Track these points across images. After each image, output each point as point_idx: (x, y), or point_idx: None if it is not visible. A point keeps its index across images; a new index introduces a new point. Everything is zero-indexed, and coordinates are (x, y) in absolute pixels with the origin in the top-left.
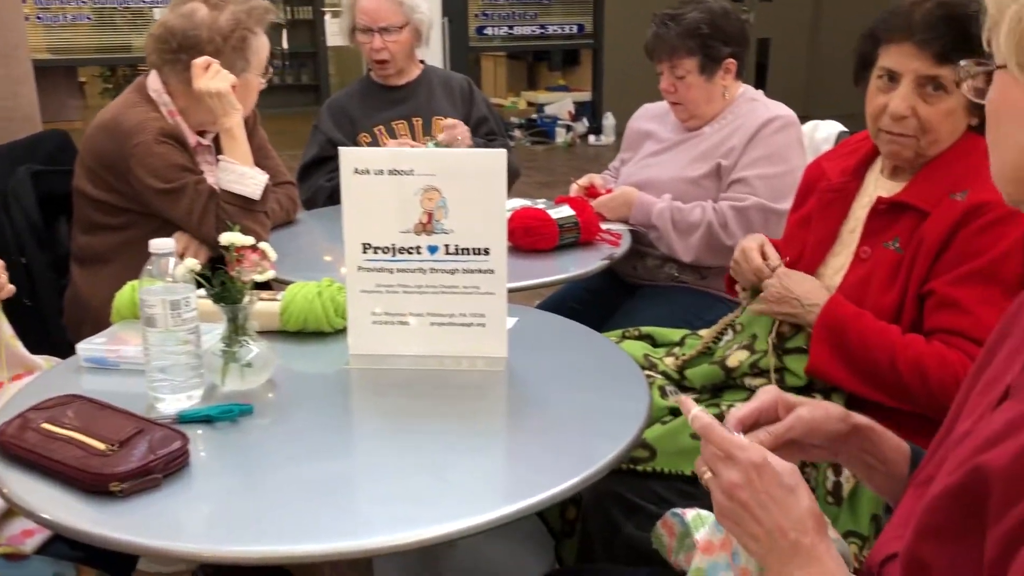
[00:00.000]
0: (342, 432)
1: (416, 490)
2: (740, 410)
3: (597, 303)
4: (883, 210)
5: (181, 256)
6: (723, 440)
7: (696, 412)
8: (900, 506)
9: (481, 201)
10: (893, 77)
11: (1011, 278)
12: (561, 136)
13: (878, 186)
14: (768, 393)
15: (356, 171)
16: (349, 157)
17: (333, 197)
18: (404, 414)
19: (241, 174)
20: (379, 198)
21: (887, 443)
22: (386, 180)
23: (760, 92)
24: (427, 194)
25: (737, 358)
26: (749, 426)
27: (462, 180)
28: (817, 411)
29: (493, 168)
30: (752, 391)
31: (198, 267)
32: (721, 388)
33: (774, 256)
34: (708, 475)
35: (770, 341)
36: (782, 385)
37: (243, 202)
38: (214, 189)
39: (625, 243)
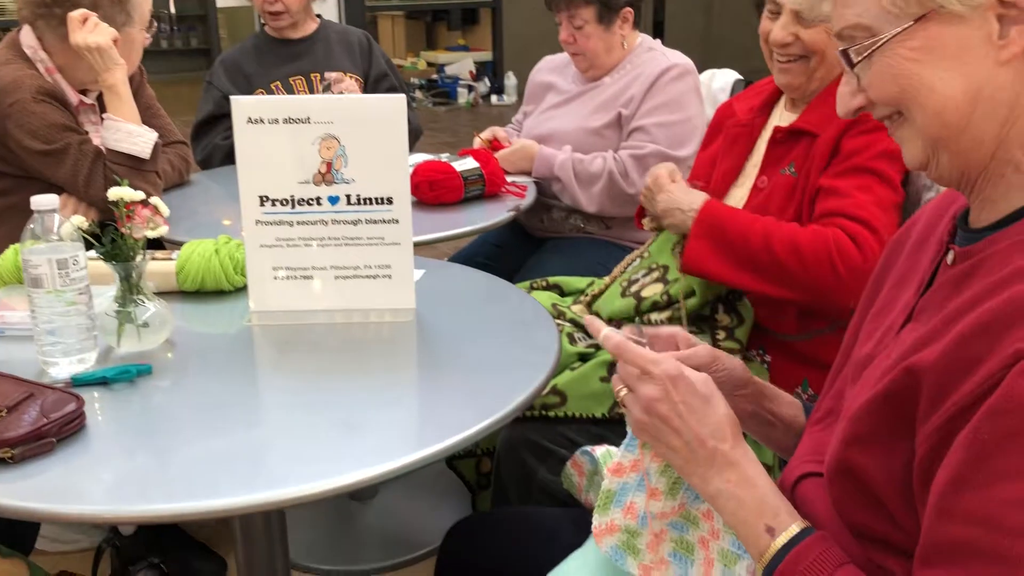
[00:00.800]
0: (247, 390)
1: (326, 443)
2: (652, 330)
3: (505, 257)
4: (780, 139)
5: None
6: (638, 356)
7: (607, 332)
8: (802, 444)
9: (382, 149)
10: (777, 9)
11: (891, 173)
12: (463, 96)
13: (780, 119)
14: (677, 332)
15: (250, 120)
16: (242, 106)
17: (230, 156)
18: (311, 370)
19: (128, 132)
20: (275, 148)
21: (782, 399)
22: (281, 129)
23: (658, 41)
24: (325, 143)
25: (652, 290)
26: (660, 348)
27: (361, 127)
28: (720, 351)
29: (392, 114)
30: (657, 325)
31: (85, 224)
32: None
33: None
34: (624, 392)
35: (675, 252)
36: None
37: (132, 162)
38: (100, 149)
39: (531, 194)
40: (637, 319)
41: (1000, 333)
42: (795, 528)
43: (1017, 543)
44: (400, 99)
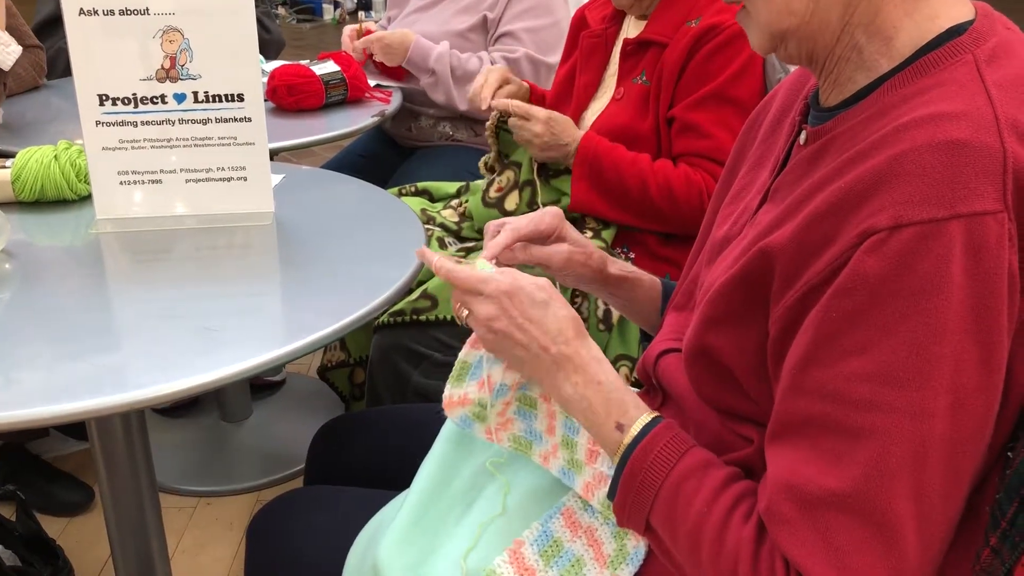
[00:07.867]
0: (97, 300)
1: (183, 347)
2: (520, 220)
3: (373, 168)
4: (631, 51)
5: None
6: (467, 279)
7: (437, 260)
8: (664, 326)
9: (229, 42)
10: None
11: (745, 96)
12: (329, 13)
13: (629, 30)
14: (554, 217)
15: (82, 12)
16: None
17: None
18: (165, 278)
19: None
20: (113, 42)
21: (643, 282)
22: (118, 21)
23: None
24: (167, 36)
25: (513, 200)
26: (526, 237)
27: (206, 19)
28: (577, 249)
29: (238, 4)
30: None
31: None
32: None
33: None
34: (466, 313)
35: (533, 169)
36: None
37: None
38: None
39: (396, 100)
40: None
41: (848, 212)
42: (644, 420)
43: (860, 415)
44: None
